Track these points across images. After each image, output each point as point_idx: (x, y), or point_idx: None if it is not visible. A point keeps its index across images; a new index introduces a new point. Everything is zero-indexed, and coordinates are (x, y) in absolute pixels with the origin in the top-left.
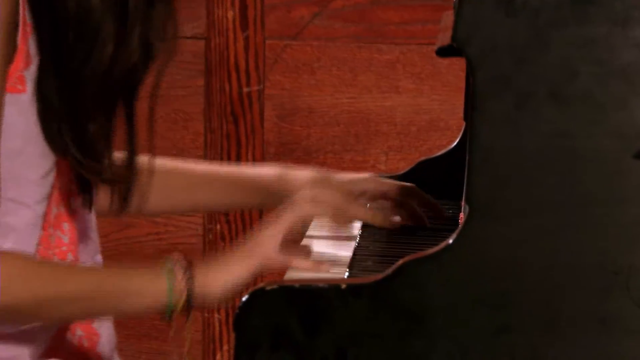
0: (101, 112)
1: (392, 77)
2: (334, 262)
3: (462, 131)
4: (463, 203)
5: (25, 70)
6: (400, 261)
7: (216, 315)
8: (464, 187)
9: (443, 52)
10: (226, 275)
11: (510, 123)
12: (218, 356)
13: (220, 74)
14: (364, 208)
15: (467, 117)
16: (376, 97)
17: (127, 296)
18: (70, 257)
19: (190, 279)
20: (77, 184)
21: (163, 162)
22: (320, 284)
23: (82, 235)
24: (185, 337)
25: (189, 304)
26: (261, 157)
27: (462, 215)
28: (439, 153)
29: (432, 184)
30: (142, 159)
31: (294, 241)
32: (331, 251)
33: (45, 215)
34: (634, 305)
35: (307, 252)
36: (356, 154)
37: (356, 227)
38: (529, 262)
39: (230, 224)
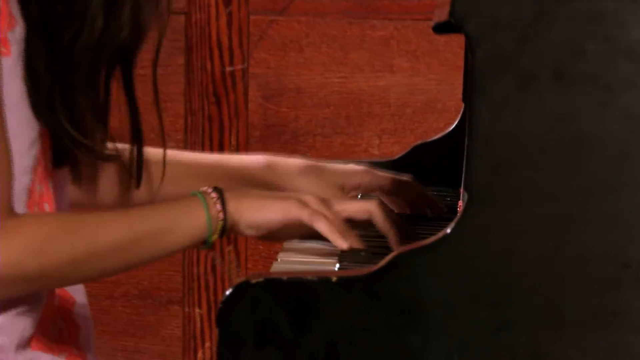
0: (92, 86)
1: (386, 55)
2: (324, 252)
3: (460, 113)
4: (461, 190)
5: (9, 32)
6: (395, 252)
7: (197, 310)
8: (463, 174)
9: (440, 28)
10: (257, 209)
11: (512, 105)
12: (200, 354)
13: (201, 51)
14: (357, 204)
15: (466, 98)
16: (369, 76)
17: (165, 234)
18: None
19: (224, 204)
20: (55, 158)
21: (145, 151)
22: (310, 277)
23: None
24: (226, 257)
25: (224, 229)
26: (245, 141)
27: (460, 203)
28: (436, 137)
29: (429, 169)
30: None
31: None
32: (320, 241)
33: (30, 192)
34: None
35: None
36: (347, 138)
37: None
38: (531, 254)
39: None
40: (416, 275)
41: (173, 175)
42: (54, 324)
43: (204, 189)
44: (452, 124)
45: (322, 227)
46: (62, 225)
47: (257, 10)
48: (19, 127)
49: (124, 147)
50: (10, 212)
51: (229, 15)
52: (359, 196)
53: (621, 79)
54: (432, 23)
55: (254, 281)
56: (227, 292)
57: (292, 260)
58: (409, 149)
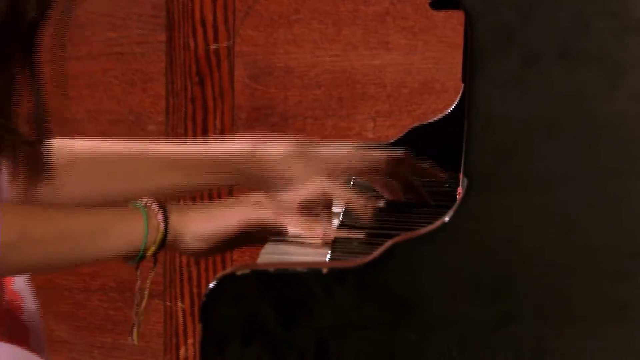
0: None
1: (381, 31)
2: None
3: (460, 94)
4: (461, 176)
5: None
6: (390, 242)
7: (179, 305)
8: (463, 158)
9: (439, 3)
10: (206, 220)
11: (515, 85)
12: (182, 351)
13: (184, 28)
14: (305, 188)
15: (465, 77)
16: (362, 54)
17: (100, 236)
18: None
19: (165, 215)
20: None
21: (115, 146)
22: (299, 268)
23: None
24: (144, 291)
25: (163, 244)
26: (231, 123)
27: (460, 190)
28: (434, 119)
29: (426, 153)
30: (62, 143)
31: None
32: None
33: None
34: None
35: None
36: (339, 120)
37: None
38: (535, 243)
39: (195, 198)
40: (413, 266)
41: (145, 171)
42: (2, 324)
43: (144, 200)
44: (451, 105)
45: (292, 222)
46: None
47: None
48: None
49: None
50: None
51: None
52: (352, 181)
53: (630, 57)
54: None
55: (239, 273)
56: (211, 285)
57: (280, 251)
58: (405, 132)
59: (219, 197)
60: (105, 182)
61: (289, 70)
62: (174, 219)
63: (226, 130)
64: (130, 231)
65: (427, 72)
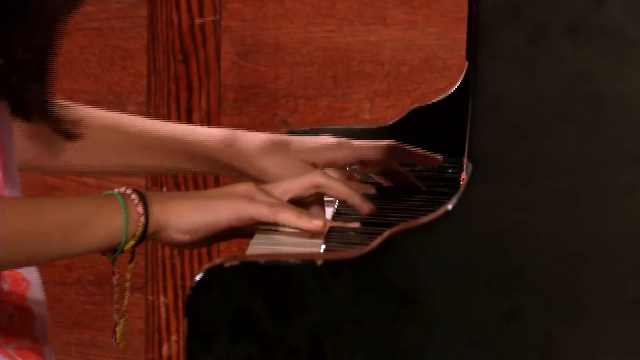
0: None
1: (378, 5)
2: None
3: (463, 72)
4: (465, 161)
5: None
6: (389, 232)
7: (162, 299)
8: (467, 141)
9: None
10: (191, 211)
11: (522, 62)
12: (164, 348)
13: (166, 1)
14: (297, 181)
15: (469, 54)
16: (359, 30)
17: (76, 230)
18: None
19: (146, 206)
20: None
21: (93, 113)
22: (291, 260)
23: (7, 174)
24: (124, 286)
25: (143, 237)
26: (217, 104)
27: (464, 175)
28: (436, 99)
29: (428, 137)
30: (73, 105)
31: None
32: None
33: None
34: None
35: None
36: (334, 100)
37: None
38: (544, 233)
39: (179, 186)
40: (413, 257)
41: (121, 145)
42: (2, 311)
43: (122, 189)
44: (455, 84)
45: (288, 218)
46: None
47: None
48: None
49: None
50: None
51: None
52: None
53: None
54: None
55: (227, 265)
56: (197, 278)
57: (272, 241)
58: (405, 113)
59: (205, 181)
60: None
61: (280, 46)
62: (155, 209)
63: (212, 111)
64: (108, 224)
65: (428, 48)
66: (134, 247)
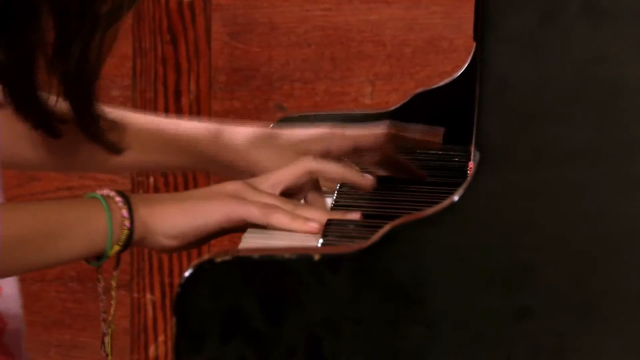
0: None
1: None
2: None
3: (471, 54)
4: (472, 149)
5: None
6: (391, 225)
7: (149, 296)
8: (474, 128)
9: None
10: (178, 215)
11: (533, 45)
12: (151, 349)
13: None
14: (287, 170)
15: (477, 36)
16: (358, 8)
17: (58, 238)
18: None
19: (130, 210)
20: None
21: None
22: (287, 255)
23: None
24: (110, 294)
25: (129, 243)
26: (207, 87)
27: (471, 165)
28: (441, 83)
29: (432, 123)
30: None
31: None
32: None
33: None
34: None
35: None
36: (333, 84)
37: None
38: (556, 226)
39: (166, 175)
40: (417, 252)
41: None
42: None
43: (105, 191)
44: (461, 67)
45: (281, 219)
46: None
47: None
48: None
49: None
50: None
51: None
52: None
53: None
54: None
55: (218, 260)
56: (186, 274)
57: (266, 234)
58: (408, 97)
59: (195, 182)
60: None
61: (274, 26)
62: (141, 213)
63: (202, 95)
64: (91, 230)
65: (432, 28)
66: (119, 252)
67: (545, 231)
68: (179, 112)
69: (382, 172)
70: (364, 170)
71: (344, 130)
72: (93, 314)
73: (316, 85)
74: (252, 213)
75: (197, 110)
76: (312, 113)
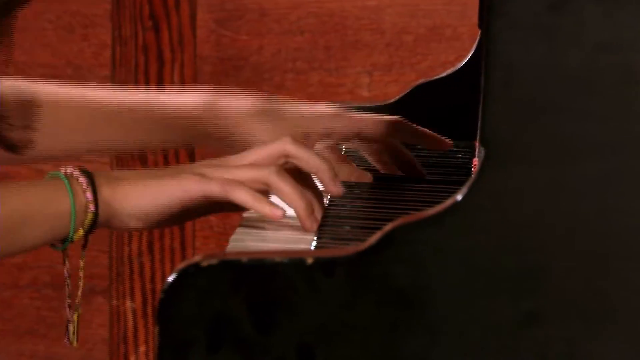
0: None
1: None
2: (297, 226)
3: (475, 43)
4: (477, 144)
5: None
6: (390, 226)
7: (129, 303)
8: (479, 122)
9: None
10: (143, 195)
11: (543, 31)
12: None
13: None
14: (250, 171)
15: (482, 22)
16: None
17: (19, 225)
18: None
19: (95, 191)
20: None
21: (51, 89)
22: (278, 258)
23: None
24: (79, 276)
25: (94, 226)
26: (192, 78)
27: (475, 161)
28: (444, 74)
29: (434, 116)
30: (21, 85)
31: None
32: (290, 211)
33: None
34: None
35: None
36: (327, 74)
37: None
38: (568, 225)
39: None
40: (418, 255)
41: (86, 120)
42: None
43: (69, 170)
44: (465, 56)
45: (243, 197)
46: None
47: None
48: None
49: None
50: None
51: None
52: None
53: None
54: None
55: (204, 264)
56: (170, 279)
57: (255, 236)
58: (408, 89)
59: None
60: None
61: (265, 12)
62: (105, 194)
63: (187, 85)
64: (54, 215)
65: (435, 14)
66: (85, 235)
67: (555, 232)
68: None
69: (382, 164)
70: (362, 165)
71: (352, 113)
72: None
73: (309, 76)
74: (211, 189)
75: None
76: None
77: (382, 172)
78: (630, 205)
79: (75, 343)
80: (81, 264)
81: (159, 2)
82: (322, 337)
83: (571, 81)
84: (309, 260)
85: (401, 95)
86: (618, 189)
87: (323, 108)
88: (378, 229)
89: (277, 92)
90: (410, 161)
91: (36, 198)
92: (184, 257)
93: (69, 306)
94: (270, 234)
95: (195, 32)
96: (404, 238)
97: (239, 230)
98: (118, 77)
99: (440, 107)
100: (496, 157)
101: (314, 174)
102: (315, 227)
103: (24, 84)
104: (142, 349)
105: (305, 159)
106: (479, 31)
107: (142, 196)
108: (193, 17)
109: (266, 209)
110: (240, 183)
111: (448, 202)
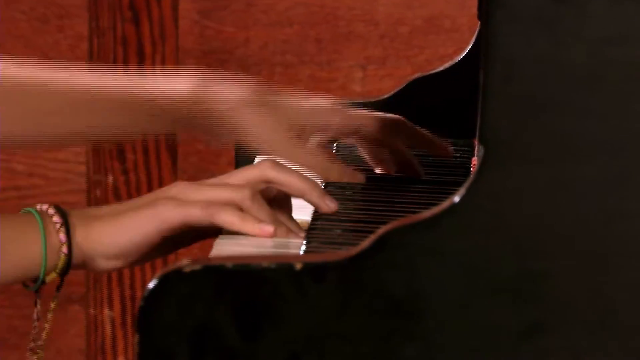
0: None
1: None
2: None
3: (475, 35)
4: (476, 143)
5: None
6: (383, 229)
7: (107, 312)
8: (478, 120)
9: None
10: (117, 232)
11: (545, 24)
12: None
13: None
14: (226, 191)
15: (482, 13)
16: None
17: None
18: None
19: (68, 232)
20: None
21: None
22: (265, 263)
23: None
24: (48, 318)
25: (67, 269)
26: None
27: (474, 160)
28: (441, 68)
29: (431, 113)
30: None
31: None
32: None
33: None
34: None
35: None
36: (318, 68)
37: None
38: (572, 229)
39: (127, 173)
40: (413, 260)
41: (61, 105)
42: None
43: (43, 207)
44: (464, 49)
45: (228, 218)
46: None
47: None
48: None
49: None
50: None
51: None
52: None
53: None
54: None
55: (187, 269)
56: (150, 285)
57: (240, 240)
58: (404, 84)
59: (160, 179)
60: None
61: (251, 2)
62: (79, 236)
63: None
64: (25, 256)
65: (432, 5)
66: (59, 277)
67: (559, 236)
68: None
69: (378, 162)
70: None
71: (350, 108)
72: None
73: (299, 70)
74: (192, 214)
75: None
76: None
77: (377, 171)
78: (636, 207)
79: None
80: (52, 306)
81: None
82: (311, 347)
83: (574, 76)
84: (298, 266)
85: (396, 90)
86: (623, 189)
87: (321, 101)
88: (371, 232)
89: (262, 83)
90: (410, 161)
91: (6, 235)
92: (165, 263)
93: (31, 350)
94: (256, 238)
95: (177, 23)
96: (398, 242)
97: (223, 234)
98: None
99: (437, 103)
100: (496, 156)
101: (300, 197)
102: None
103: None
104: (120, 359)
105: (287, 183)
106: (479, 22)
107: (117, 233)
108: (175, 7)
109: (255, 229)
110: (223, 204)
111: (445, 204)
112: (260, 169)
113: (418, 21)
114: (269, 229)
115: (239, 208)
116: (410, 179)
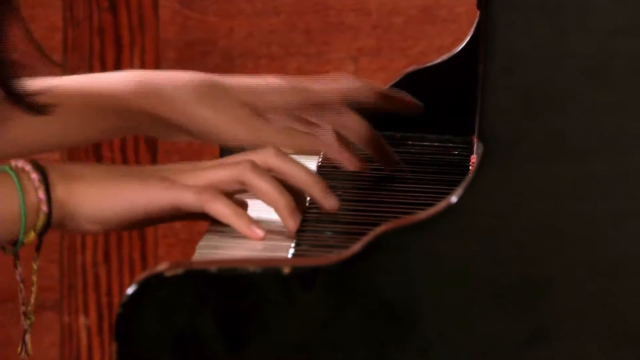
0: None
1: None
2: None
3: (474, 26)
4: (474, 139)
5: None
6: (376, 231)
7: (82, 320)
8: (477, 115)
9: None
10: (103, 197)
11: (548, 14)
12: None
13: None
14: (224, 170)
15: (481, 3)
16: None
17: None
18: None
19: (48, 189)
20: None
21: None
22: (251, 267)
23: None
24: (32, 280)
25: (46, 228)
26: (154, 65)
27: (473, 158)
28: (438, 60)
29: (427, 108)
30: None
31: None
32: (266, 214)
33: None
34: None
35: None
36: (307, 60)
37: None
38: (576, 232)
39: None
40: (408, 264)
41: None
42: None
43: (20, 164)
44: (463, 40)
45: (221, 210)
46: None
47: None
48: None
49: None
50: None
51: None
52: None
53: None
54: None
55: (168, 274)
56: (129, 291)
57: (225, 243)
58: (398, 77)
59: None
60: None
61: None
62: (59, 193)
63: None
64: (1, 216)
65: None
66: (38, 237)
67: (563, 238)
68: None
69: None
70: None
71: (313, 86)
72: (13, 340)
73: (286, 62)
74: (184, 198)
75: None
76: None
77: (339, 157)
78: None
79: (29, 354)
80: (34, 267)
81: None
82: (301, 355)
83: (579, 69)
84: (286, 270)
85: (390, 84)
86: (630, 188)
87: (272, 80)
88: (363, 234)
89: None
90: (380, 145)
91: None
92: (144, 267)
93: (24, 314)
94: (242, 240)
95: (157, 12)
96: (392, 245)
97: (207, 236)
98: (70, 63)
99: (433, 98)
100: (496, 154)
101: (302, 189)
102: (298, 224)
103: None
104: None
105: (290, 173)
106: (478, 12)
107: (102, 200)
108: None
109: (245, 228)
110: (219, 193)
111: (442, 205)
112: (262, 155)
113: (413, 11)
114: (259, 232)
115: (240, 183)
116: (404, 179)
